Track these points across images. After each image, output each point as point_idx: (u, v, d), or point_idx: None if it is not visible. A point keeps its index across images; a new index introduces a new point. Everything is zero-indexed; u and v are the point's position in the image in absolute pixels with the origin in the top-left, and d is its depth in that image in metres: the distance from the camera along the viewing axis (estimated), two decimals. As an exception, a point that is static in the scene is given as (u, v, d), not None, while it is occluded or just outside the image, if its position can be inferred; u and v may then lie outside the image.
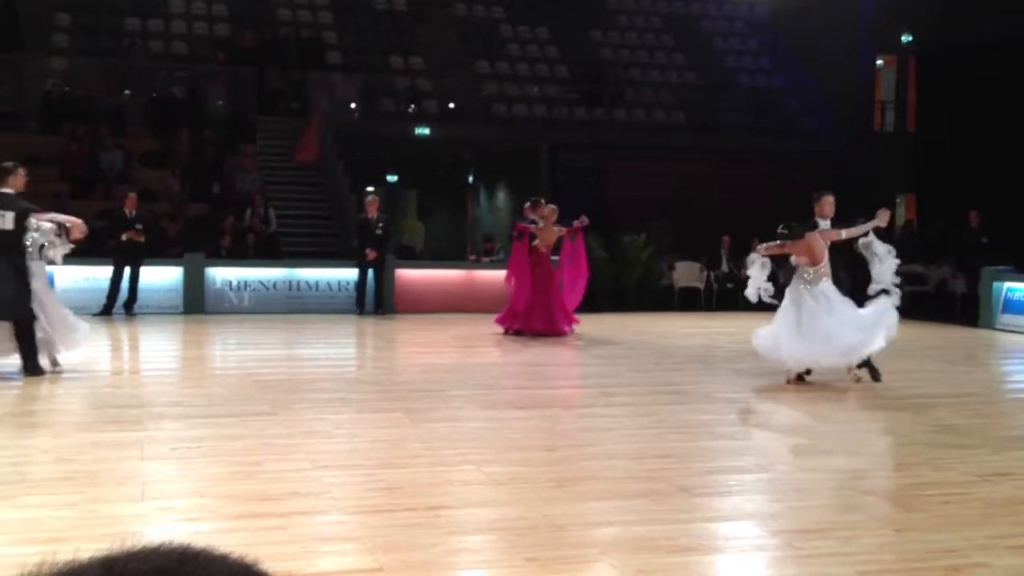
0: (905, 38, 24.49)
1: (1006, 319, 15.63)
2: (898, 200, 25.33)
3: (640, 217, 19.43)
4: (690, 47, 25.35)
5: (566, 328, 14.06)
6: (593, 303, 17.51)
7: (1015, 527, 5.06)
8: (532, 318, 13.94)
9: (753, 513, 5.35)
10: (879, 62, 25.38)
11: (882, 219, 9.67)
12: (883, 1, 23.32)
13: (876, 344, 9.49)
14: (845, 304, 9.55)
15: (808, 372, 9.76)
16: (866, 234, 9.77)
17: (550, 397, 9.02)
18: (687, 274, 19.33)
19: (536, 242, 14.10)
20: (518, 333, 13.96)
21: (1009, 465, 6.49)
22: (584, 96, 23.38)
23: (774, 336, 9.66)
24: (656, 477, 5.95)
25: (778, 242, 9.79)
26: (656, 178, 21.36)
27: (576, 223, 14.20)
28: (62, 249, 9.51)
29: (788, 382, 9.62)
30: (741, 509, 5.47)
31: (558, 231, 14.21)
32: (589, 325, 15.13)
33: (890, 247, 9.85)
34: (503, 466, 6.22)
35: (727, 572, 4.57)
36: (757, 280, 9.95)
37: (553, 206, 14.34)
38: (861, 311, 9.55)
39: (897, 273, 9.86)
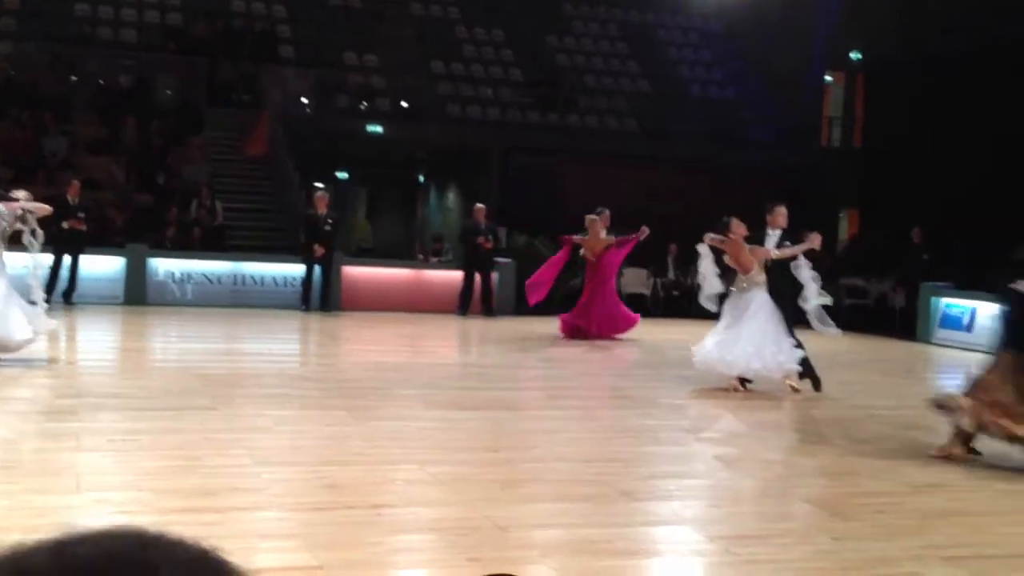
0: (854, 55, 24.89)
1: (943, 334, 15.94)
2: (842, 215, 25.73)
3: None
4: (644, 56, 25.52)
5: (593, 330, 14.20)
6: (543, 307, 17.53)
7: (948, 538, 5.16)
8: (591, 321, 14.14)
9: (693, 518, 5.40)
10: (828, 78, 25.76)
11: (813, 242, 9.78)
12: (834, 18, 23.68)
13: (776, 373, 9.59)
14: (767, 316, 9.61)
15: (749, 380, 9.85)
16: (795, 257, 9.83)
17: (496, 399, 9.02)
18: (634, 281, 19.43)
19: (583, 251, 14.39)
20: (581, 335, 14.11)
21: (942, 477, 6.61)
22: (538, 100, 23.43)
23: (711, 346, 9.78)
24: (599, 481, 5.98)
25: (720, 238, 9.91)
26: (608, 184, 21.44)
27: (635, 235, 14.40)
28: (31, 234, 9.24)
29: (733, 390, 9.71)
30: (681, 514, 5.51)
31: (607, 240, 14.29)
32: (540, 328, 15.16)
33: (816, 274, 9.93)
34: (447, 466, 6.21)
35: (666, 576, 4.60)
36: (709, 282, 10.03)
37: (593, 216, 14.30)
38: (773, 332, 9.60)
39: (836, 288, 9.99)
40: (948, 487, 6.32)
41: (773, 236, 9.89)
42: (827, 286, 19.34)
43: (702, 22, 26.84)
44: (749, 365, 9.59)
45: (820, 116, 25.50)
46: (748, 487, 6.16)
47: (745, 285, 9.77)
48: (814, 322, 9.97)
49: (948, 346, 15.58)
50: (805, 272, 9.80)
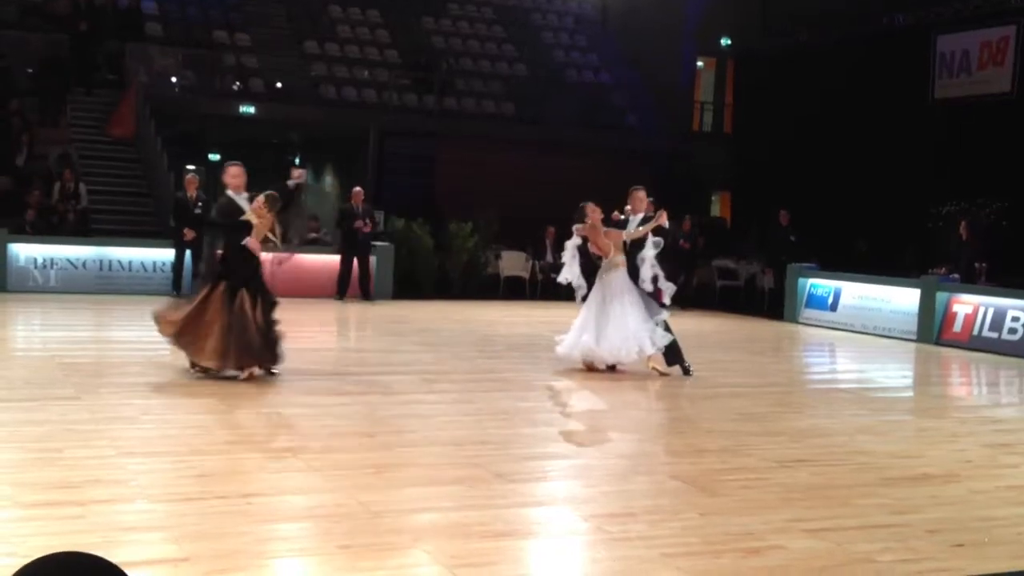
0: (724, 41, 25.46)
1: (808, 313, 16.50)
2: (714, 197, 26.40)
3: (468, 205, 19.51)
4: (520, 40, 25.59)
5: None
6: (417, 290, 17.49)
7: (810, 511, 5.34)
8: None
9: (567, 498, 5.47)
10: (700, 64, 26.31)
11: (659, 220, 9.95)
12: (705, 5, 24.18)
13: (648, 348, 9.76)
14: (632, 299, 9.79)
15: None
16: (645, 237, 9.94)
17: (372, 383, 8.94)
18: (512, 263, 19.53)
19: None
20: None
21: (806, 452, 6.85)
22: (414, 82, 23.27)
23: (574, 333, 9.91)
24: (473, 463, 5.99)
25: (581, 226, 10.05)
26: (485, 167, 21.48)
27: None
28: None
29: (590, 369, 9.87)
30: (555, 495, 5.58)
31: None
32: (413, 312, 15.09)
33: (655, 262, 10.07)
34: (321, 453, 6.14)
35: (540, 557, 4.64)
36: (571, 267, 10.18)
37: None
38: (637, 314, 9.78)
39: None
40: (811, 462, 6.55)
41: (634, 220, 10.03)
42: (702, 268, 19.76)
43: (577, 7, 27.06)
44: (618, 355, 9.77)
45: (692, 101, 26.04)
46: (620, 466, 6.27)
47: (605, 268, 9.92)
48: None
49: (813, 325, 16.15)
50: (649, 252, 9.93)
